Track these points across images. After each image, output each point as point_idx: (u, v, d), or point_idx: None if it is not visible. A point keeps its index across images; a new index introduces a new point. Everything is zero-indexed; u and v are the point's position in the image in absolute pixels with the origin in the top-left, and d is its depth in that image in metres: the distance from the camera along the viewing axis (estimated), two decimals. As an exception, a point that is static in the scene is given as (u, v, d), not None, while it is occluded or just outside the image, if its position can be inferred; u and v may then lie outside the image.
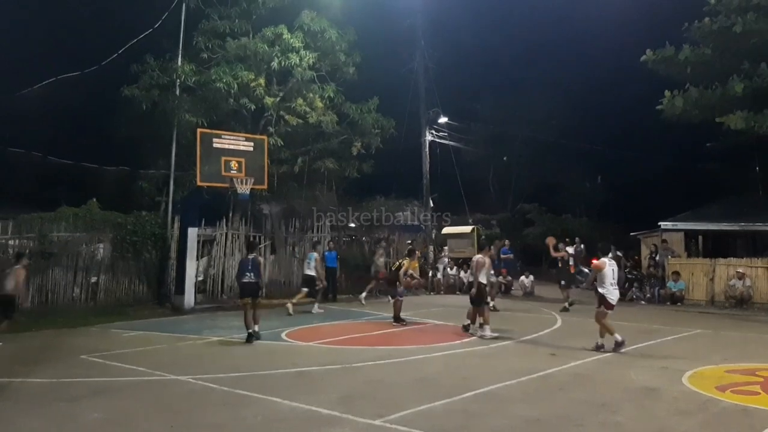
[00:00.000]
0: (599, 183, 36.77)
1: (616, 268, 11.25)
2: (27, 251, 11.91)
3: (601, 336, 10.93)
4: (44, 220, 16.95)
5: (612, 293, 10.85)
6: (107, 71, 19.29)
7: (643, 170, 32.64)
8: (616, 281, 11.08)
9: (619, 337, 10.71)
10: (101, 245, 17.45)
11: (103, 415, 7.13)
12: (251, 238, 18.32)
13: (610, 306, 10.84)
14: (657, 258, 20.50)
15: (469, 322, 12.96)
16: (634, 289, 20.23)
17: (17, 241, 16.25)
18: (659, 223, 22.60)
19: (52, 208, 18.53)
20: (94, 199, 19.74)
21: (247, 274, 12.22)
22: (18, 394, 7.91)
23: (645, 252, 22.88)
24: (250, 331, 12.02)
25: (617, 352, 10.54)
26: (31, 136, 21.08)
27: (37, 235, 16.38)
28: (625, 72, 27.61)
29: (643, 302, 19.53)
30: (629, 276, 20.70)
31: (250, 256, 12.57)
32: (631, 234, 25.59)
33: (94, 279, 17.02)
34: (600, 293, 10.93)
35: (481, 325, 12.58)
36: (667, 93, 20.04)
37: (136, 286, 17.70)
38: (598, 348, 10.79)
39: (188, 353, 11.21)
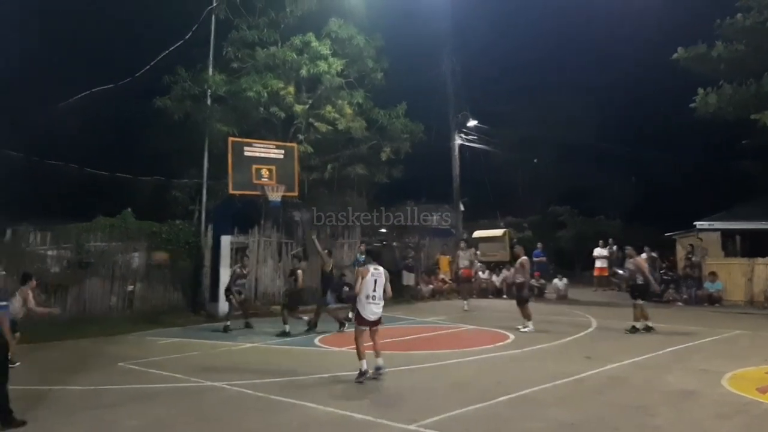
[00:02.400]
0: (632, 184, 36.21)
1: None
2: (33, 275, 11.22)
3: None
4: (81, 231, 17.31)
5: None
6: (140, 83, 19.66)
7: (678, 170, 32.07)
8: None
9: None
10: (137, 254, 17.74)
11: (140, 422, 7.24)
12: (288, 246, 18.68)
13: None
14: (693, 258, 20.15)
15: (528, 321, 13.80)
16: (670, 290, 19.88)
17: (55, 251, 16.63)
18: (695, 223, 22.19)
19: (88, 218, 18.92)
20: (129, 209, 20.07)
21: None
22: (57, 401, 8.07)
23: (680, 253, 22.48)
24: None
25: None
26: (68, 149, 21.51)
27: (74, 245, 16.71)
28: (656, 70, 27.20)
29: (679, 303, 19.18)
30: (665, 277, 20.35)
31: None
32: (666, 235, 25.16)
33: (130, 287, 17.30)
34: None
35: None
36: (700, 90, 19.71)
37: (171, 294, 17.92)
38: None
39: (223, 360, 11.32)
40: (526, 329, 13.55)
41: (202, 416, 7.46)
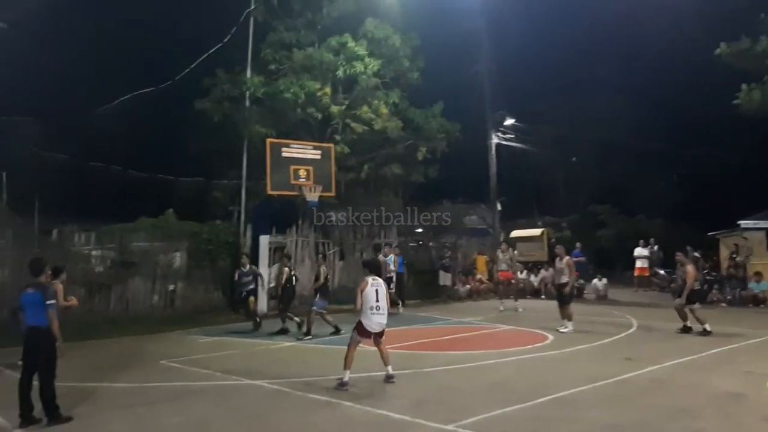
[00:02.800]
0: (674, 182, 35.51)
1: None
2: (64, 267, 10.90)
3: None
4: (124, 231, 17.71)
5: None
6: (180, 86, 19.98)
7: (721, 167, 31.35)
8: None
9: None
10: (178, 254, 18.04)
11: (182, 419, 7.38)
12: (321, 245, 18.44)
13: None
14: (737, 258, 19.66)
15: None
16: (714, 291, 19.43)
17: (99, 251, 17.04)
18: (739, 222, 21.65)
19: (131, 219, 19.35)
20: (171, 210, 20.43)
21: None
22: (103, 398, 8.26)
23: (724, 253, 21.96)
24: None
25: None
26: (111, 151, 22.04)
27: (118, 245, 17.09)
28: (697, 66, 26.53)
29: (723, 304, 18.72)
30: (708, 278, 19.89)
31: None
32: (709, 234, 24.60)
33: (171, 287, 17.62)
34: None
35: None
36: (744, 86, 19.23)
37: (212, 294, 18.18)
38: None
39: (262, 358, 11.44)
40: (565, 330, 13.40)
41: (242, 414, 7.56)
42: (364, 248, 21.46)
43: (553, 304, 14.47)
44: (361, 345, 8.80)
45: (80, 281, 15.98)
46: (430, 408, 7.51)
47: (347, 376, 8.61)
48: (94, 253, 17.02)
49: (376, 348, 9.05)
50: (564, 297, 13.94)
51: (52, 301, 7.21)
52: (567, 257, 14.22)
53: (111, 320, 15.58)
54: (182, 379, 9.53)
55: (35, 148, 19.70)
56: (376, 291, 8.94)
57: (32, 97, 22.34)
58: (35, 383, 7.16)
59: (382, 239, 21.56)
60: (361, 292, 8.97)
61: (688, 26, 28.13)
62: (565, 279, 13.98)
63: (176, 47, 22.16)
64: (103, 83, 23.45)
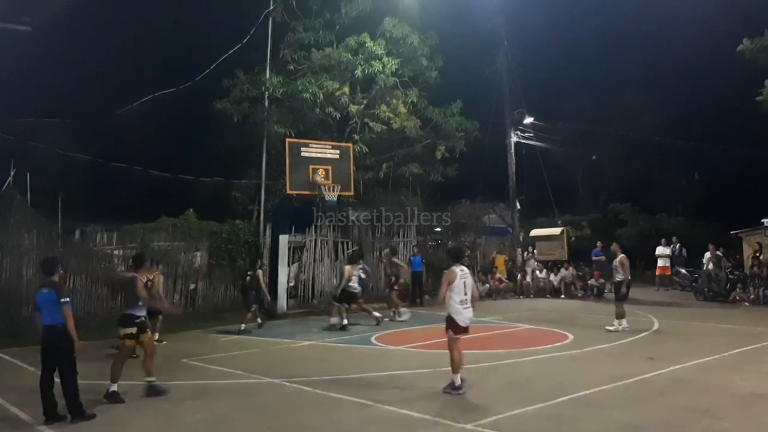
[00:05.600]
0: (696, 180, 35.10)
1: None
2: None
3: None
4: (146, 231, 17.87)
5: None
6: (200, 87, 20.15)
7: (743, 165, 30.93)
8: None
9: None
10: (198, 253, 18.19)
11: (204, 416, 7.46)
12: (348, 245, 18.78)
13: None
14: (761, 257, 19.40)
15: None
16: (737, 290, 19.19)
17: (121, 250, 17.23)
18: (762, 220, 21.34)
19: (152, 218, 19.53)
20: (191, 210, 20.60)
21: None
22: (127, 396, 8.34)
23: (747, 251, 21.68)
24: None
25: None
26: (133, 152, 22.23)
27: (139, 244, 17.25)
28: (719, 62, 26.22)
29: (746, 304, 18.48)
30: (731, 276, 19.65)
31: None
32: (732, 232, 24.30)
33: (192, 286, 17.77)
34: None
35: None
36: (766, 83, 18.95)
37: (232, 292, 18.30)
38: None
39: (282, 357, 11.52)
40: (611, 328, 13.26)
41: (264, 412, 7.62)
42: (383, 248, 21.48)
43: (574, 304, 14.35)
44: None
45: (103, 280, 16.19)
46: (451, 407, 7.52)
47: (458, 379, 8.03)
48: (116, 252, 17.21)
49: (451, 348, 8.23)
50: (617, 295, 13.81)
51: (67, 299, 7.27)
52: (621, 255, 13.96)
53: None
54: (204, 378, 9.63)
55: (59, 149, 19.96)
56: (464, 283, 8.20)
57: (56, 99, 22.70)
58: (57, 380, 7.27)
59: (401, 239, 21.55)
60: (449, 284, 8.17)
61: (711, 22, 27.81)
62: (619, 277, 13.81)
63: (196, 48, 22.39)
64: (124, 84, 23.75)
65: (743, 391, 7.93)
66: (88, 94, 25.32)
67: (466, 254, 22.32)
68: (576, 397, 7.79)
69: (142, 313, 8.57)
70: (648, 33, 35.12)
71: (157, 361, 10.88)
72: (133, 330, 8.46)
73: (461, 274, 8.19)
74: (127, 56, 26.42)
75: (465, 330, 8.28)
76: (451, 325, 8.21)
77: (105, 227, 17.47)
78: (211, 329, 14.91)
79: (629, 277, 13.64)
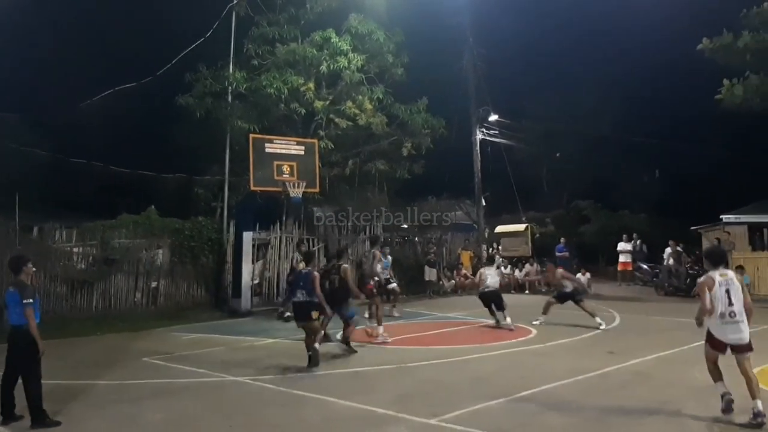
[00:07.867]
0: (657, 177, 35.76)
1: None
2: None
3: None
4: (106, 228, 17.53)
5: None
6: (162, 81, 19.80)
7: (703, 163, 31.60)
8: None
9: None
10: (160, 251, 17.91)
11: (164, 415, 7.32)
12: (306, 245, 18.04)
13: None
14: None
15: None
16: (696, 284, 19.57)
17: (81, 248, 16.88)
18: (721, 217, 21.85)
19: (113, 215, 19.17)
20: (153, 206, 20.26)
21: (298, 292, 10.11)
22: (85, 395, 8.17)
23: (706, 247, 22.15)
24: (309, 353, 9.74)
25: None
26: (92, 147, 21.80)
27: (100, 242, 16.94)
28: (680, 61, 26.71)
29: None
30: (691, 272, 20.06)
31: (304, 270, 10.50)
32: (692, 228, 24.82)
33: (154, 284, 17.49)
34: None
35: None
36: (726, 82, 19.33)
37: (195, 290, 18.08)
38: None
39: (246, 355, 11.38)
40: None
41: (226, 410, 7.51)
42: (349, 244, 21.42)
43: (538, 299, 14.48)
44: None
45: (62, 278, 15.84)
46: (414, 402, 7.51)
47: (721, 388, 6.84)
48: (75, 250, 16.85)
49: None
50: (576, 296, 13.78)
51: (29, 300, 7.04)
52: (559, 270, 14.21)
53: (94, 317, 15.46)
54: (166, 377, 9.45)
55: (15, 144, 19.44)
56: (727, 291, 6.76)
57: (11, 93, 22.07)
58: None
59: (367, 235, 21.47)
60: (708, 290, 6.86)
61: (671, 21, 28.35)
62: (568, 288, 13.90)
63: (158, 42, 21.97)
64: (84, 78, 23.20)
65: (701, 384, 8.04)
66: (46, 87, 24.74)
67: (432, 251, 22.63)
68: (539, 391, 7.85)
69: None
70: (610, 32, 35.61)
71: (117, 359, 10.75)
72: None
73: (720, 280, 6.85)
74: (87, 49, 25.82)
75: (724, 347, 6.87)
76: (709, 338, 7.09)
77: (64, 224, 17.09)
78: (173, 327, 14.70)
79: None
